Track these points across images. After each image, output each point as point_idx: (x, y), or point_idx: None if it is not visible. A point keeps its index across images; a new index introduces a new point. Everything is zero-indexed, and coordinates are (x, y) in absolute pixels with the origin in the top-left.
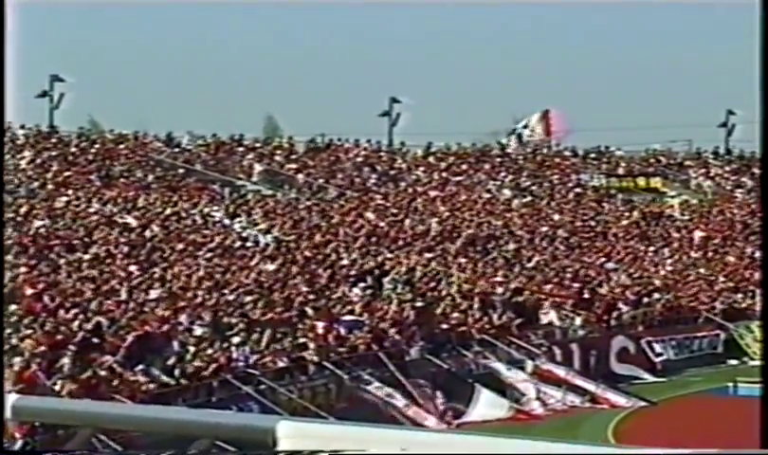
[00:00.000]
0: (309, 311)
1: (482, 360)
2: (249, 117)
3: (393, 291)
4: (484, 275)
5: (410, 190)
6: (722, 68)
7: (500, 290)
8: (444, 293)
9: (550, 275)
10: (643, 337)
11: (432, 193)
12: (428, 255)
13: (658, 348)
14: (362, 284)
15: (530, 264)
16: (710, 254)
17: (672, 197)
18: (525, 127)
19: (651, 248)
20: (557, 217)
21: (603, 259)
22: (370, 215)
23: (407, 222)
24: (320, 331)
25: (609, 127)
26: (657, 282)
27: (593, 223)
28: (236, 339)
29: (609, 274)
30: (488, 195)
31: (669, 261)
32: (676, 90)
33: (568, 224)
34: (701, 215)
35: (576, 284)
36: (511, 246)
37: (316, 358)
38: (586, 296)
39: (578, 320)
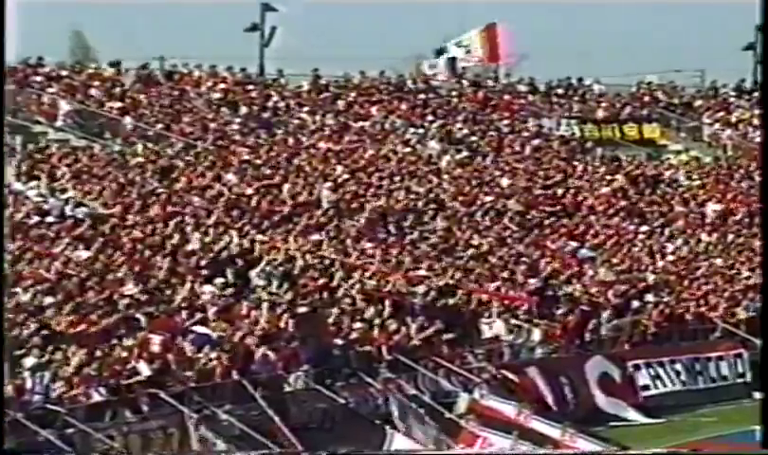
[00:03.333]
0: (141, 318)
1: (395, 392)
2: (49, 31)
3: (265, 290)
4: (398, 267)
5: (290, 140)
6: None
7: (422, 289)
8: (340, 293)
9: (496, 268)
10: (631, 359)
11: (323, 146)
12: (316, 237)
13: (652, 373)
14: (219, 280)
15: (467, 252)
16: (729, 237)
17: (676, 153)
18: (460, 47)
19: (644, 228)
20: (506, 182)
21: (574, 244)
22: (231, 177)
23: (285, 188)
24: (157, 347)
25: (582, 50)
26: (652, 279)
27: (559, 190)
28: (30, 361)
29: (582, 266)
30: (407, 150)
31: (670, 246)
32: None
33: (523, 192)
34: (716, 180)
35: (533, 281)
36: (440, 225)
37: (151, 389)
38: (549, 297)
39: (537, 334)
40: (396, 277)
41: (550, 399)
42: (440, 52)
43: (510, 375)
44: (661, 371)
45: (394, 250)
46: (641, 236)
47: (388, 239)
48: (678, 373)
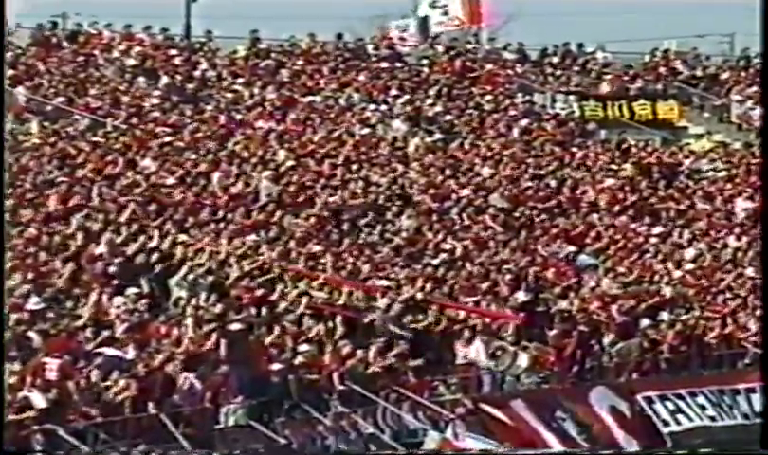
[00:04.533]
0: (34, 337)
1: (348, 429)
2: None
3: (189, 303)
4: (355, 276)
5: (221, 118)
6: None
7: (383, 303)
8: (281, 308)
9: (475, 277)
10: (642, 390)
11: (263, 125)
12: (252, 238)
13: (671, 407)
14: (132, 290)
15: (439, 258)
16: (762, 241)
17: (697, 137)
18: (435, 7)
19: (658, 230)
20: (488, 172)
21: (571, 249)
22: (148, 164)
23: (215, 177)
24: (54, 374)
25: (583, 10)
26: (667, 292)
27: (553, 182)
28: None
29: (581, 276)
30: (366, 131)
31: (690, 252)
32: None
33: (509, 184)
34: (747, 170)
35: (521, 294)
36: (406, 225)
37: (46, 425)
38: (539, 314)
39: (525, 359)
40: (352, 288)
41: (548, 436)
42: (411, 13)
43: (491, 410)
44: (682, 404)
45: (350, 255)
46: (654, 239)
47: (342, 241)
48: (703, 407)
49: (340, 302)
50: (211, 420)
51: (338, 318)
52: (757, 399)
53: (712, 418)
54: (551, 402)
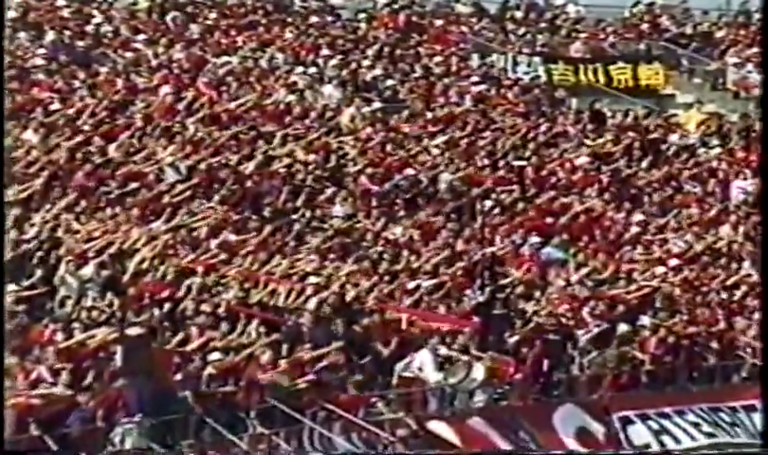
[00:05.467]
0: None
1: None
2: None
3: (79, 302)
4: (276, 270)
5: (119, 82)
6: None
7: (311, 304)
8: (188, 308)
9: (421, 273)
10: (618, 409)
11: (168, 91)
12: (155, 225)
13: (654, 428)
14: (10, 287)
15: (378, 250)
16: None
17: (687, 107)
18: None
19: (639, 218)
20: (436, 147)
21: (535, 240)
22: (29, 137)
23: (110, 151)
24: None
25: None
26: (648, 291)
27: (514, 160)
28: None
29: (547, 272)
30: (291, 98)
31: (677, 244)
32: None
33: (461, 162)
34: (746, 147)
35: (475, 294)
36: (339, 211)
37: None
38: (497, 318)
39: (480, 371)
40: (273, 285)
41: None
42: None
43: (439, 431)
44: (668, 423)
45: (272, 246)
46: (634, 228)
47: (262, 229)
48: (696, 425)
49: (260, 302)
50: (104, 442)
51: (257, 321)
52: (758, 419)
53: (709, 435)
54: (509, 422)
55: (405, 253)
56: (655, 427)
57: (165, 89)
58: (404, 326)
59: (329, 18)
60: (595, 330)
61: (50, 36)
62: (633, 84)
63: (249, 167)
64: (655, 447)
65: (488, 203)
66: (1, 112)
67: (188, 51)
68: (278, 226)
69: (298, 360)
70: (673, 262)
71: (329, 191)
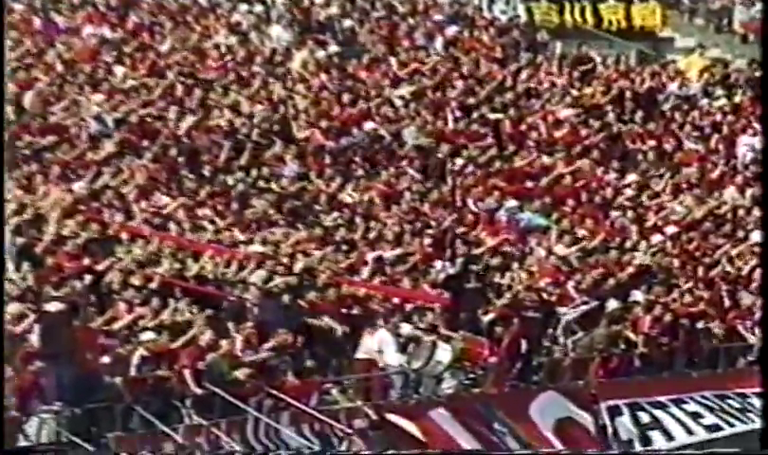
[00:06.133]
0: None
1: (207, 447)
2: None
3: None
4: (217, 237)
5: (35, 21)
6: None
7: (257, 276)
8: (114, 280)
9: (382, 242)
10: (608, 397)
11: (91, 32)
12: (79, 185)
13: (645, 421)
14: None
15: (333, 215)
16: None
17: (688, 52)
18: None
19: (632, 178)
20: (400, 98)
21: (513, 204)
22: None
23: (27, 100)
24: None
25: None
26: (641, 262)
27: (489, 113)
28: None
29: (527, 240)
30: (233, 40)
31: (674, 209)
32: None
33: (429, 115)
34: (754, 98)
35: (444, 266)
36: (289, 170)
37: None
38: (469, 293)
39: (448, 353)
40: (214, 254)
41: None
42: None
43: (402, 422)
44: (661, 415)
45: (211, 210)
46: (627, 191)
47: (198, 190)
48: (697, 416)
49: (197, 275)
50: (17, 432)
51: (194, 296)
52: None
53: (712, 428)
54: (482, 412)
55: (363, 219)
56: (646, 419)
57: (88, 30)
58: (363, 302)
59: None
60: (582, 307)
61: None
62: (626, 26)
63: (186, 120)
64: (641, 444)
65: (459, 162)
66: (1, 112)
67: None
68: (218, 187)
69: (243, 340)
70: (671, 229)
71: (277, 148)
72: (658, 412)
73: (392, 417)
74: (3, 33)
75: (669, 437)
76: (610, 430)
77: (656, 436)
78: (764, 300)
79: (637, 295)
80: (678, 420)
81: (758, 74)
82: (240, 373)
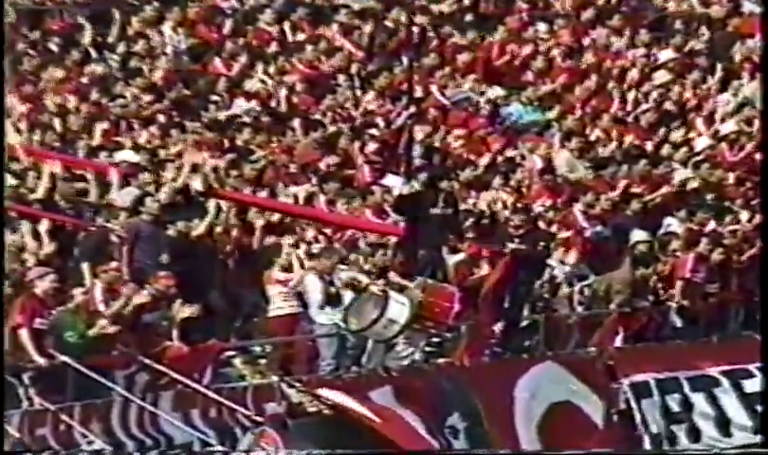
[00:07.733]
0: None
1: (53, 439)
2: None
3: None
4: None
5: None
6: None
7: (132, 195)
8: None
9: (310, 147)
10: (628, 370)
11: None
12: None
13: (673, 404)
14: None
15: (247, 106)
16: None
17: None
18: None
19: (667, 55)
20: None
21: (497, 92)
22: None
23: None
24: None
25: None
26: (680, 177)
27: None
28: None
29: (515, 143)
30: None
31: (724, 101)
32: None
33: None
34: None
35: (396, 182)
36: (168, 53)
37: None
38: (433, 218)
39: (405, 308)
40: (65, 165)
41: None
42: None
43: (335, 400)
44: (707, 397)
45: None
46: (659, 74)
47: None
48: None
49: (46, 195)
50: None
51: (40, 224)
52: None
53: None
54: (453, 391)
55: (278, 112)
56: (686, 403)
57: None
58: (281, 230)
59: None
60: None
61: None
62: None
63: None
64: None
65: (418, 29)
66: (1, 112)
67: None
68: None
69: (104, 287)
70: (727, 127)
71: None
72: (701, 394)
73: (321, 394)
74: (3, 35)
75: (724, 429)
76: (638, 417)
77: (703, 426)
78: (763, 290)
79: (673, 223)
80: (733, 403)
81: None
82: (100, 335)
